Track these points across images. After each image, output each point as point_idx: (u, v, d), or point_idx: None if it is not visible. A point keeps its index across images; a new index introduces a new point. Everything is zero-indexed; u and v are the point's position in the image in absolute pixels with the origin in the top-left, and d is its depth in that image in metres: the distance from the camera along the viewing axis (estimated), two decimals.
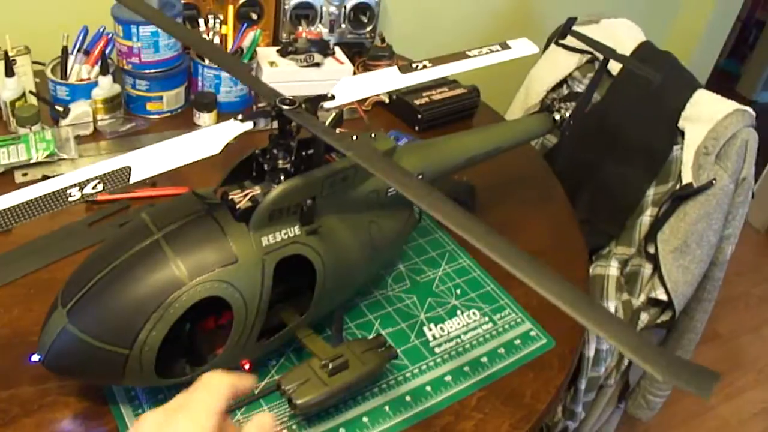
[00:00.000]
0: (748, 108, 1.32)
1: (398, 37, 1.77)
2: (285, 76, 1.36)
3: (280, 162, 0.70)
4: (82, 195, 0.58)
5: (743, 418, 2.14)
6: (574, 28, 1.59)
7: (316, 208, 0.72)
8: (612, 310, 1.36)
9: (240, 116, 0.67)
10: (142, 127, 1.24)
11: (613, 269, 1.41)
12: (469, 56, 0.87)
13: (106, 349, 0.65)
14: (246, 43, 1.29)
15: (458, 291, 0.97)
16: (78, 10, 1.06)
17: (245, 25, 1.31)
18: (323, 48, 1.40)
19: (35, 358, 0.68)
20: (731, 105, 1.33)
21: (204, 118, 1.25)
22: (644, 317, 1.37)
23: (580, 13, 1.61)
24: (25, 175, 1.09)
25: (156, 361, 0.67)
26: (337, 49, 1.46)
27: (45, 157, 1.10)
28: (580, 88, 1.59)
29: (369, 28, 1.54)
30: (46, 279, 0.89)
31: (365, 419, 0.78)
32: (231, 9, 1.30)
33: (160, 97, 1.26)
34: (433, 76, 0.81)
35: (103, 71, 1.18)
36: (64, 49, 1.21)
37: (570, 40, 1.58)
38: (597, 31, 1.56)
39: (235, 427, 0.57)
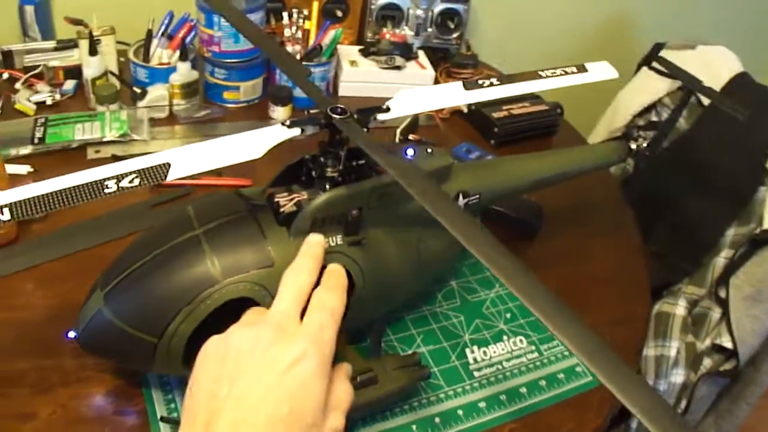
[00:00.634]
0: None
1: (487, 45, 1.75)
2: (364, 76, 1.36)
3: (328, 170, 0.69)
4: (118, 188, 0.58)
5: None
6: (668, 51, 1.55)
7: (362, 220, 0.71)
8: (674, 350, 1.31)
9: (288, 122, 0.66)
10: (217, 114, 1.26)
11: (680, 308, 1.35)
12: (542, 77, 0.84)
13: (137, 336, 0.67)
14: (326, 40, 1.29)
15: (508, 315, 0.95)
16: None
17: (328, 22, 1.31)
18: (406, 51, 1.39)
19: (71, 334, 0.70)
20: None
21: (279, 111, 1.26)
22: (707, 363, 1.31)
23: (680, 36, 1.55)
24: (97, 152, 1.12)
25: (186, 352, 0.68)
26: (420, 53, 1.45)
27: (117, 137, 1.13)
28: (667, 115, 1.53)
29: (456, 35, 1.52)
30: (103, 256, 0.90)
31: None
32: (316, 5, 1.30)
33: (237, 87, 1.28)
34: (499, 95, 0.79)
35: (183, 57, 1.20)
36: (149, 32, 1.24)
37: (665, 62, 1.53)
38: (692, 58, 1.50)
39: None
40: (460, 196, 0.81)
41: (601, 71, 0.91)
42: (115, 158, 1.09)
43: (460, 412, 0.81)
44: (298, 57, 1.29)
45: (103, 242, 0.95)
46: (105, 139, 1.12)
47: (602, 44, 2.00)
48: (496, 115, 1.31)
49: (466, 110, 1.36)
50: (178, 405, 0.76)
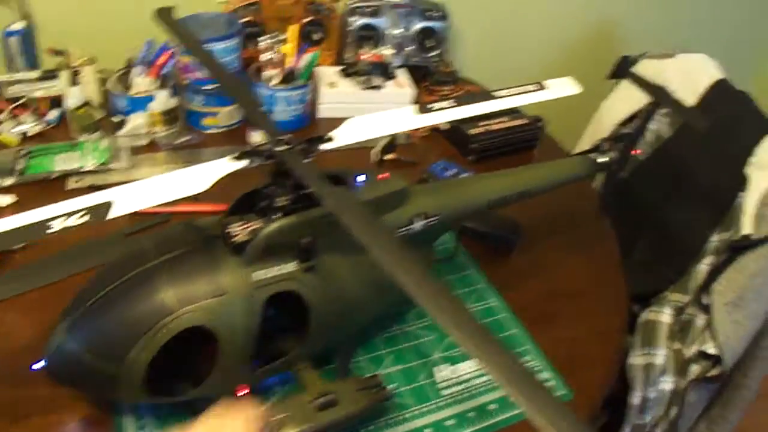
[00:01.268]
0: None
1: (468, 60, 1.76)
2: (343, 97, 1.38)
3: (278, 200, 0.71)
4: (63, 227, 0.60)
5: None
6: (648, 60, 1.56)
7: (315, 246, 0.72)
8: (662, 358, 1.31)
9: (233, 155, 0.68)
10: (198, 140, 1.28)
11: (666, 316, 1.35)
12: (496, 97, 0.85)
13: (98, 365, 0.69)
14: (303, 63, 1.31)
15: None
16: (146, 23, 1.11)
17: (306, 45, 1.33)
18: (384, 71, 1.41)
19: (38, 365, 0.72)
20: None
21: (256, 135, 1.27)
22: (695, 369, 1.31)
23: (664, 44, 1.56)
24: (77, 181, 1.14)
25: (155, 379, 0.70)
26: (401, 71, 1.46)
27: (97, 166, 1.15)
28: (653, 125, 1.54)
29: (436, 52, 1.53)
30: (81, 285, 0.94)
31: None
32: (293, 28, 1.32)
33: (216, 113, 1.30)
34: (451, 118, 0.80)
35: (162, 85, 1.22)
36: (128, 61, 1.26)
37: (643, 72, 1.54)
38: (671, 66, 1.51)
39: None
40: (418, 219, 0.82)
41: (562, 88, 0.92)
42: (93, 188, 1.11)
43: (427, 430, 0.82)
44: (275, 81, 1.31)
45: (80, 271, 0.97)
46: (84, 169, 1.14)
47: (585, 54, 2.00)
48: (473, 131, 1.32)
49: (444, 127, 1.37)
50: (149, 430, 0.78)
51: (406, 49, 1.52)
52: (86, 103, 1.24)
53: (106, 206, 0.62)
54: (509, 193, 0.92)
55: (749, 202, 1.29)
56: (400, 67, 1.49)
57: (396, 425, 0.82)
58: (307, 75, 1.32)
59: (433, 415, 0.84)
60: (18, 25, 1.33)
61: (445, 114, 0.80)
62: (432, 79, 1.50)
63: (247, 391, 0.78)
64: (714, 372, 1.30)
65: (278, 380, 0.84)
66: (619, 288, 1.11)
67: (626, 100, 1.58)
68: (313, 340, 0.77)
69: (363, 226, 0.58)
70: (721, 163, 1.38)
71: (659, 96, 1.06)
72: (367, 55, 1.43)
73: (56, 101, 1.29)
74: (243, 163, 0.68)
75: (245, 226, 0.72)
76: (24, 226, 0.60)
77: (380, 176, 0.79)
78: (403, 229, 0.81)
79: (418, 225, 0.82)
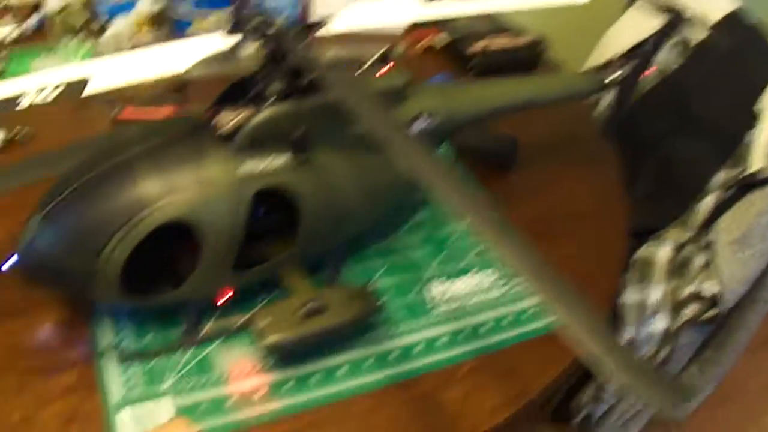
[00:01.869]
0: None
1: None
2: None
3: (271, 86, 0.65)
4: (33, 101, 0.55)
5: None
6: None
7: (309, 139, 0.67)
8: (656, 295, 1.28)
9: (226, 29, 0.62)
10: None
11: (664, 253, 1.31)
12: None
13: (73, 260, 0.64)
14: None
15: (475, 250, 0.91)
16: None
17: None
18: None
19: (9, 262, 0.68)
20: None
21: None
22: (690, 310, 1.27)
23: None
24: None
25: (133, 278, 0.66)
26: None
27: None
28: (660, 55, 1.48)
29: None
30: None
31: (342, 370, 0.74)
32: None
33: (205, 17, 1.23)
34: (459, 11, 0.74)
35: None
36: None
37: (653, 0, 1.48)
38: None
39: None
40: (421, 118, 0.76)
41: None
42: None
43: (418, 348, 0.78)
44: None
45: (58, 173, 0.91)
46: None
47: None
48: (471, 50, 1.26)
49: (441, 45, 1.31)
50: (125, 335, 0.74)
51: None
52: (67, 6, 1.17)
53: (83, 82, 0.57)
54: (514, 101, 0.87)
55: (760, 139, 1.24)
56: None
57: (386, 340, 0.78)
58: None
59: (425, 332, 0.80)
60: None
61: (450, 8, 0.74)
62: None
63: (230, 295, 0.73)
64: (710, 314, 1.27)
65: (263, 286, 0.79)
66: (620, 214, 1.06)
67: (634, 26, 1.51)
68: (303, 243, 0.72)
69: (373, 113, 0.52)
70: (730, 98, 1.33)
71: (675, 14, 1.00)
72: None
73: (36, 6, 1.22)
74: (235, 39, 0.62)
75: (234, 114, 0.67)
76: None
77: (383, 70, 0.73)
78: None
79: (421, 124, 0.76)
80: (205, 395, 0.70)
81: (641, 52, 1.04)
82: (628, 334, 1.28)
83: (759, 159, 1.21)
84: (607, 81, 1.01)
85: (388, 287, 0.84)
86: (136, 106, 1.02)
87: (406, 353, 0.77)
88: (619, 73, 1.01)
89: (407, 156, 0.50)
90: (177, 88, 1.06)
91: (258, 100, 0.67)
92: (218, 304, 0.74)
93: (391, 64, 0.73)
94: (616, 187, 1.11)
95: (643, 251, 1.34)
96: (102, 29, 1.17)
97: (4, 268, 0.68)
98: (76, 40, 1.14)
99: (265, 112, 0.64)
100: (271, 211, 0.71)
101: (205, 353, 0.73)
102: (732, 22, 1.40)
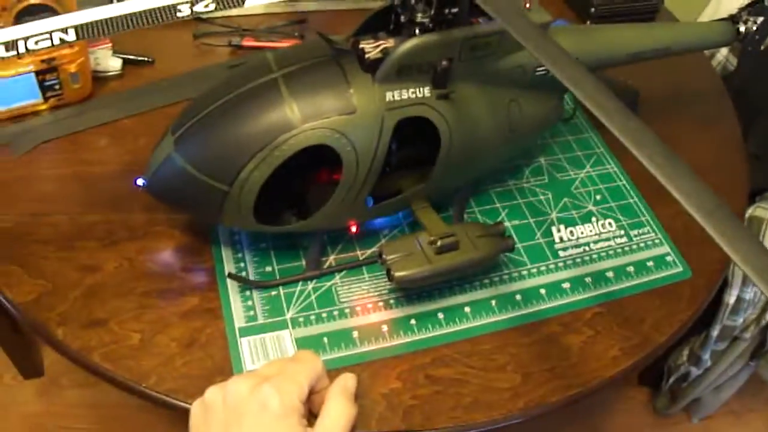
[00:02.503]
0: None
1: None
2: None
3: (418, 15, 0.63)
4: (192, 11, 0.54)
5: None
6: None
7: (452, 72, 0.65)
8: None
9: None
10: None
11: None
12: None
13: (207, 182, 0.63)
14: None
15: (598, 197, 0.89)
16: None
17: None
18: None
19: (140, 182, 0.68)
20: None
21: None
22: None
23: None
24: None
25: (260, 206, 0.65)
26: None
27: None
28: None
29: None
30: (176, 114, 0.89)
31: (467, 309, 0.73)
32: None
33: None
34: None
35: None
36: None
37: None
38: None
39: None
40: None
41: None
42: None
43: (542, 291, 0.77)
44: None
45: (178, 101, 0.92)
46: None
47: None
48: None
49: None
50: (247, 264, 0.74)
51: None
52: None
53: None
54: (649, 47, 0.83)
55: None
56: None
57: (510, 282, 0.77)
58: None
59: (550, 276, 0.79)
60: None
61: None
62: None
63: (356, 229, 0.73)
64: None
65: (388, 222, 0.79)
66: (741, 169, 1.03)
67: None
68: (439, 177, 0.71)
69: (549, 49, 0.50)
70: None
71: None
72: None
73: None
74: None
75: (377, 43, 0.65)
76: (148, 9, 0.54)
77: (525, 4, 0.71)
78: (541, 69, 0.74)
79: None
80: (327, 328, 0.70)
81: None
82: (734, 293, 1.24)
83: None
84: (741, 31, 0.96)
85: (512, 229, 0.82)
86: (256, 38, 1.01)
87: (531, 295, 0.76)
88: (751, 23, 0.96)
89: (577, 81, 0.48)
90: (297, 20, 1.04)
91: (404, 29, 0.65)
92: (351, 233, 0.73)
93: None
94: (737, 144, 1.07)
95: (752, 211, 1.29)
96: None
97: (138, 182, 0.67)
98: None
99: (412, 41, 0.62)
100: (409, 144, 0.69)
101: (328, 285, 0.74)
102: None
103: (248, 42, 1.00)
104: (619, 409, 1.69)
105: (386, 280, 0.69)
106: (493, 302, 0.74)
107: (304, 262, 0.74)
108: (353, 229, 0.73)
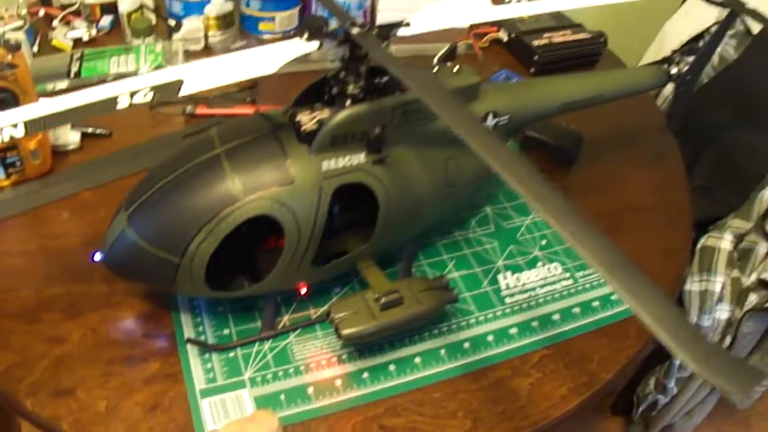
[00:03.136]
0: None
1: None
2: (401, 3, 1.32)
3: (350, 87, 0.68)
4: (131, 103, 0.58)
5: None
6: None
7: (386, 138, 0.69)
8: (719, 285, 1.27)
9: (306, 35, 0.64)
10: (253, 46, 1.24)
11: (726, 243, 1.30)
12: None
13: (159, 255, 0.67)
14: None
15: (543, 242, 0.93)
16: None
17: None
18: None
19: (97, 257, 0.71)
20: None
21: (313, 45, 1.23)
22: (753, 298, 1.26)
23: None
24: None
25: (213, 273, 0.69)
26: None
27: (151, 69, 1.12)
28: (718, 47, 1.47)
29: None
30: (133, 185, 0.93)
31: (418, 359, 0.77)
32: None
33: (273, 18, 1.26)
34: (528, 11, 0.76)
35: None
36: None
37: None
38: None
39: None
40: (489, 116, 0.78)
41: None
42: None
43: (490, 337, 0.80)
44: None
45: (136, 172, 0.95)
46: (140, 72, 1.12)
47: None
48: (536, 42, 1.27)
49: (505, 39, 1.32)
50: (206, 327, 0.77)
51: None
52: (141, 7, 1.21)
53: (178, 83, 0.60)
54: (582, 97, 0.88)
55: None
56: None
57: (458, 330, 0.80)
58: None
59: (497, 323, 0.82)
60: None
61: (520, 7, 0.76)
62: None
63: (306, 290, 0.76)
64: None
65: (338, 281, 0.82)
66: (684, 206, 1.07)
67: (691, 19, 1.50)
68: (380, 237, 0.74)
69: (455, 114, 0.54)
70: None
71: (735, 4, 1.00)
72: None
73: (108, 7, 1.26)
74: (315, 45, 0.65)
75: (313, 115, 0.70)
76: (91, 103, 0.57)
77: (453, 70, 0.75)
78: None
79: (489, 123, 0.78)
80: (284, 385, 0.73)
81: (702, 45, 1.03)
82: (693, 321, 1.28)
83: None
84: (672, 73, 1.01)
85: (459, 280, 0.86)
86: (209, 105, 1.05)
87: (479, 342, 0.79)
88: (683, 65, 1.02)
89: (486, 149, 0.52)
90: (248, 86, 1.09)
91: (337, 100, 0.69)
92: (301, 294, 0.76)
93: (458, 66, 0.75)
94: (680, 179, 1.12)
95: (705, 240, 1.33)
96: (174, 29, 1.20)
97: (95, 258, 0.71)
98: (148, 41, 1.17)
99: (345, 112, 0.66)
100: (350, 207, 0.73)
101: (283, 344, 0.77)
102: None
103: (201, 110, 1.04)
104: None
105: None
106: (443, 351, 0.78)
107: (260, 323, 0.77)
108: (303, 290, 0.76)
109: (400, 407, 0.73)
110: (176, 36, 1.20)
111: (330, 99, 0.71)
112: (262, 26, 1.27)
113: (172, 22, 1.21)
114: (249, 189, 0.66)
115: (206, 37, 1.22)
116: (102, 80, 1.11)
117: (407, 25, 0.69)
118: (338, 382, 0.74)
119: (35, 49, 1.18)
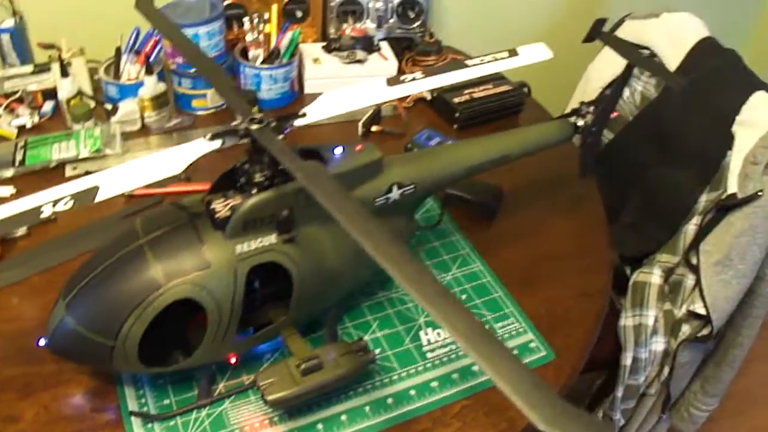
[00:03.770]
0: None
1: (452, 30, 1.77)
2: (327, 72, 1.40)
3: (256, 176, 0.74)
4: (53, 212, 0.64)
5: None
6: (633, 21, 1.57)
7: (294, 218, 0.76)
8: (652, 318, 1.33)
9: (208, 135, 0.71)
10: (188, 122, 1.32)
11: (656, 277, 1.37)
12: (468, 65, 0.87)
13: (95, 339, 0.73)
14: (286, 41, 1.34)
15: (464, 296, 0.99)
16: (130, 12, 1.14)
17: (287, 24, 1.35)
18: (368, 44, 1.43)
19: (42, 342, 0.77)
20: None
21: None
22: (685, 329, 1.32)
23: (649, 6, 1.56)
24: (74, 168, 1.18)
25: (148, 351, 0.75)
26: (384, 44, 1.49)
27: (91, 153, 1.18)
28: (639, 86, 1.55)
29: (418, 23, 1.56)
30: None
31: (344, 417, 0.82)
32: (275, 7, 1.34)
33: (204, 95, 1.33)
34: (422, 88, 0.83)
35: (149, 71, 1.25)
36: (117, 50, 1.29)
37: (627, 34, 1.54)
38: (656, 26, 1.52)
39: None
40: (394, 188, 0.85)
41: (534, 53, 0.94)
42: (88, 174, 1.14)
43: (412, 392, 0.86)
44: (260, 60, 1.33)
45: (80, 253, 1.00)
46: (80, 156, 1.18)
47: (571, 19, 1.98)
48: (457, 99, 1.35)
49: (429, 97, 1.40)
50: (148, 400, 0.82)
51: (389, 21, 1.53)
52: (79, 93, 1.27)
53: (94, 190, 0.66)
54: (487, 159, 0.95)
55: (735, 160, 1.29)
56: (384, 39, 1.52)
57: (382, 387, 0.86)
58: (290, 53, 1.35)
59: (418, 377, 0.88)
60: (8, 23, 1.37)
61: (414, 85, 0.83)
62: (416, 49, 1.52)
63: (235, 360, 0.82)
64: (704, 332, 1.32)
65: (269, 348, 0.88)
66: (603, 249, 1.13)
67: (611, 62, 1.57)
68: (298, 308, 0.80)
69: (332, 198, 0.61)
70: (708, 122, 1.38)
71: (632, 57, 1.08)
72: (350, 29, 1.45)
73: (50, 93, 1.32)
74: (218, 143, 0.71)
75: (226, 202, 0.76)
76: (20, 213, 0.63)
77: (356, 148, 0.82)
78: (381, 198, 0.84)
79: (395, 194, 0.85)
80: None
81: (608, 94, 1.10)
82: (629, 356, 1.34)
83: (734, 181, 1.26)
84: (579, 125, 1.08)
85: (383, 339, 0.92)
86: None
87: (402, 397, 0.85)
88: (589, 117, 1.08)
89: (361, 235, 0.58)
90: None
91: (246, 187, 0.76)
92: (231, 364, 0.82)
93: (360, 146, 0.81)
94: (600, 224, 1.18)
95: (636, 276, 1.39)
96: (111, 112, 1.26)
97: (40, 344, 0.77)
98: (88, 125, 1.23)
99: (252, 200, 0.73)
100: (268, 282, 0.79)
101: (219, 410, 0.82)
102: (706, 46, 1.46)
103: (139, 190, 1.10)
104: None
105: None
106: (367, 408, 0.83)
107: (197, 392, 0.83)
108: (232, 360, 0.81)
109: None
110: (114, 119, 1.26)
111: (241, 186, 0.78)
112: (195, 103, 1.34)
113: (108, 106, 1.27)
114: (170, 275, 0.72)
115: (142, 117, 1.28)
116: (45, 166, 1.16)
117: (303, 115, 0.75)
118: None
119: None
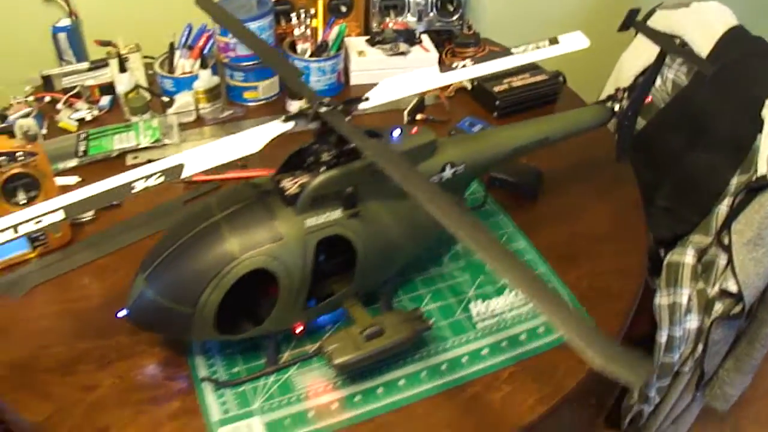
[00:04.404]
0: None
1: (490, 22, 1.82)
2: (372, 64, 1.46)
3: (323, 155, 0.80)
4: (145, 187, 0.70)
5: None
6: (663, 11, 1.61)
7: (358, 195, 0.82)
8: (686, 297, 1.37)
9: (282, 117, 0.77)
10: (240, 113, 1.38)
11: (689, 257, 1.41)
12: (513, 53, 0.93)
13: (175, 308, 0.79)
14: (333, 35, 1.40)
15: None
16: (184, 9, 1.20)
17: (333, 18, 1.42)
18: (409, 37, 1.49)
19: (121, 314, 0.83)
20: None
21: (295, 104, 1.37)
22: (718, 307, 1.36)
23: None
24: (135, 158, 1.25)
25: (221, 320, 0.81)
26: (424, 37, 1.55)
27: (151, 143, 1.25)
28: (671, 74, 1.59)
29: (456, 16, 1.61)
30: (147, 248, 1.04)
31: (402, 382, 0.88)
32: (321, 3, 1.41)
33: (256, 87, 1.40)
34: (471, 75, 0.88)
35: (203, 65, 1.32)
36: (171, 45, 1.36)
37: (658, 23, 1.59)
38: (686, 16, 1.56)
39: None
40: (447, 167, 0.91)
41: (574, 42, 0.99)
42: (150, 162, 1.21)
43: (464, 359, 0.92)
44: (308, 54, 1.40)
45: (145, 237, 1.07)
46: (141, 146, 1.25)
47: (606, 8, 2.03)
48: (497, 88, 1.40)
49: (469, 87, 1.45)
50: (218, 367, 0.89)
51: (429, 14, 1.60)
52: (136, 87, 1.34)
53: (180, 168, 0.72)
54: (530, 142, 1.01)
55: (765, 144, 1.33)
56: (424, 32, 1.58)
57: (437, 354, 0.92)
58: (337, 46, 1.42)
59: (470, 345, 0.93)
60: (65, 22, 1.45)
61: (464, 72, 0.88)
62: (455, 42, 1.57)
63: (302, 328, 0.88)
64: (737, 309, 1.36)
65: (330, 319, 0.94)
66: (639, 228, 1.18)
67: (643, 50, 1.61)
68: (360, 279, 0.87)
69: (401, 172, 0.66)
70: (738, 107, 1.42)
71: (665, 44, 1.12)
72: (392, 23, 1.51)
73: (106, 88, 1.39)
74: (291, 125, 0.77)
75: (295, 180, 0.82)
76: (113, 188, 0.70)
77: (412, 131, 0.88)
78: (435, 177, 0.90)
79: (448, 173, 0.91)
80: (288, 411, 0.85)
81: (641, 82, 1.14)
82: (664, 334, 1.38)
83: (764, 163, 1.30)
84: (615, 110, 1.13)
85: (435, 310, 0.98)
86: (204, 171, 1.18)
87: (455, 364, 0.91)
88: (625, 101, 1.13)
89: (431, 204, 0.64)
90: None
91: (314, 167, 0.82)
92: (297, 333, 0.88)
93: (416, 129, 0.87)
94: (635, 206, 1.23)
95: (670, 257, 1.44)
96: (167, 105, 1.33)
97: (119, 315, 0.83)
98: (145, 117, 1.30)
99: (320, 177, 0.79)
100: (333, 256, 0.86)
101: (285, 377, 0.88)
102: (735, 35, 1.50)
103: (198, 176, 1.16)
104: None
105: None
106: (423, 374, 0.89)
107: (264, 360, 0.89)
108: (298, 330, 0.88)
109: (389, 424, 0.84)
110: (170, 111, 1.33)
111: (308, 166, 0.84)
112: (246, 95, 1.41)
113: (165, 99, 1.34)
114: (245, 248, 0.78)
115: (197, 109, 1.35)
116: (107, 156, 1.24)
117: (366, 99, 0.81)
118: (334, 406, 0.85)
119: (44, 131, 1.31)
